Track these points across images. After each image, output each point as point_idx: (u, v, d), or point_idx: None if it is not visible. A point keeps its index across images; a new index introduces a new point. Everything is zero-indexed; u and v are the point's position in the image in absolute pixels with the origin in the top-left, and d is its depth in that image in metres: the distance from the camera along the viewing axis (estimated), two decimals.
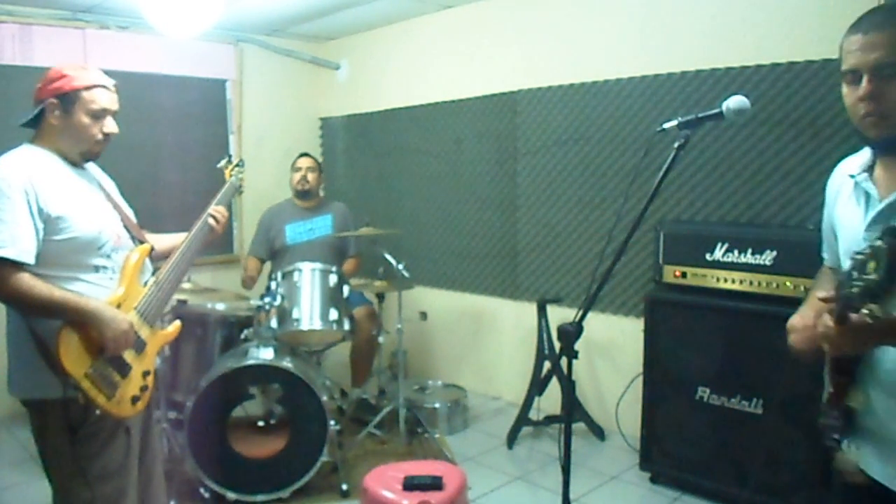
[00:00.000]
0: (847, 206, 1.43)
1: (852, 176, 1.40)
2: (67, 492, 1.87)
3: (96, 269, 1.91)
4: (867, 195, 1.36)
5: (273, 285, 3.38)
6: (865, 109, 1.28)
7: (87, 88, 1.91)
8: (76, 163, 1.98)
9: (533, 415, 3.70)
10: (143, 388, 1.95)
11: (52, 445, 1.86)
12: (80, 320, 1.76)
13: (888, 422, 1.31)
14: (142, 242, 2.08)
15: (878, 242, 1.04)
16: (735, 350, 2.88)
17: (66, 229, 1.82)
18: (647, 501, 3.12)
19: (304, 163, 4.22)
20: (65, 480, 1.87)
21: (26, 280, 1.73)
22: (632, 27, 3.65)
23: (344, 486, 3.10)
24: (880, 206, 1.32)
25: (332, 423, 3.04)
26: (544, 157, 4.08)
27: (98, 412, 1.79)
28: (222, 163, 2.66)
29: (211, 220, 2.35)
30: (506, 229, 4.33)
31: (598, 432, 3.75)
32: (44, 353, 1.77)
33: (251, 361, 3.03)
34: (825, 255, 1.61)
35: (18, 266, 1.73)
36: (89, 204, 1.93)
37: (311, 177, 4.19)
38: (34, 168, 1.83)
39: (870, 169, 1.38)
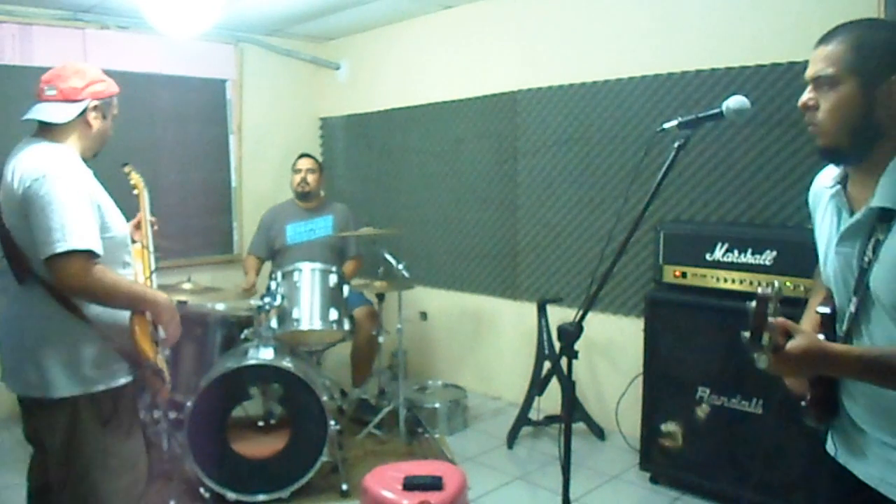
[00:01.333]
0: (824, 219, 1.42)
1: (829, 188, 1.40)
2: (91, 484, 1.90)
3: (124, 265, 1.99)
4: (839, 209, 1.36)
5: (273, 285, 3.38)
6: (805, 119, 1.32)
7: (116, 95, 2.05)
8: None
9: (533, 415, 3.70)
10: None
11: (82, 439, 1.88)
12: (152, 310, 1.90)
13: (862, 426, 1.34)
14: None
15: (751, 303, 1.17)
16: (735, 350, 2.87)
17: (110, 227, 1.90)
18: (647, 501, 3.12)
19: (304, 164, 4.21)
20: (88, 473, 1.90)
21: (110, 273, 1.82)
22: (632, 27, 3.65)
23: (344, 486, 3.10)
24: (850, 222, 1.31)
25: (332, 423, 3.04)
26: (544, 157, 4.08)
27: (159, 395, 1.96)
28: (125, 168, 2.62)
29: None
30: (506, 229, 4.33)
31: (598, 432, 3.75)
32: (109, 344, 1.87)
33: (251, 361, 3.03)
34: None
35: (97, 258, 1.79)
36: (113, 203, 1.99)
37: (311, 178, 4.18)
38: (83, 167, 1.90)
39: (844, 180, 1.37)
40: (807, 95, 1.31)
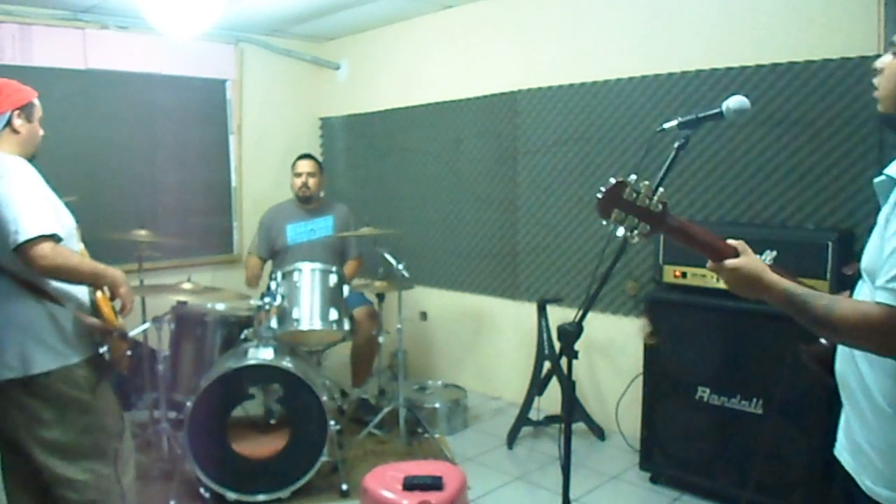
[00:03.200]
0: None
1: None
2: (93, 445, 2.13)
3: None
4: None
5: (273, 285, 3.38)
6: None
7: (35, 99, 2.21)
8: None
9: (533, 415, 3.70)
10: None
11: (76, 408, 2.09)
12: (110, 283, 2.11)
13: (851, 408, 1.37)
14: None
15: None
16: (735, 350, 2.88)
17: (60, 218, 2.09)
18: (647, 501, 3.11)
19: (305, 167, 4.18)
20: (88, 437, 2.12)
21: (73, 254, 2.06)
22: (632, 27, 3.65)
23: (344, 486, 3.10)
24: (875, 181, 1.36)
25: (332, 423, 3.04)
26: (544, 157, 4.07)
27: (129, 354, 2.20)
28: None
29: None
30: (506, 229, 4.33)
31: (598, 432, 3.75)
32: (76, 319, 2.09)
33: (251, 361, 3.03)
34: None
35: (60, 240, 2.00)
36: (57, 197, 2.17)
37: (311, 182, 4.16)
38: (29, 166, 2.09)
39: None
40: (879, 60, 1.37)
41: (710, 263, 1.45)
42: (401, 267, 3.64)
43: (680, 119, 1.72)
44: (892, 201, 1.23)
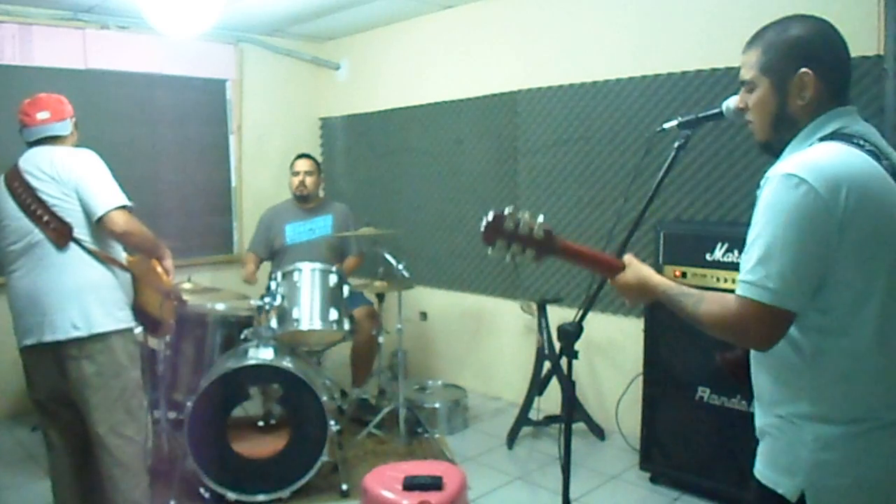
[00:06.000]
0: None
1: None
2: (134, 408, 2.43)
3: None
4: None
5: (273, 285, 3.38)
6: (745, 120, 1.47)
7: None
8: None
9: (533, 415, 3.70)
10: None
11: (117, 371, 2.37)
12: (161, 252, 2.54)
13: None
14: None
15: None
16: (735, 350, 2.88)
17: None
18: (647, 501, 3.11)
19: (302, 166, 4.18)
20: (134, 399, 2.43)
21: (139, 221, 2.41)
22: (631, 27, 3.65)
23: (344, 486, 3.10)
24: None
25: (332, 423, 3.04)
26: (544, 157, 4.08)
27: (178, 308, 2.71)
28: None
29: None
30: None
31: (598, 432, 3.75)
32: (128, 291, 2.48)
33: (251, 361, 3.03)
34: None
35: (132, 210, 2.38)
36: None
37: (308, 181, 4.16)
38: None
39: None
40: (739, 99, 1.46)
41: (610, 281, 1.51)
42: (401, 267, 3.64)
43: (680, 119, 1.72)
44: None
